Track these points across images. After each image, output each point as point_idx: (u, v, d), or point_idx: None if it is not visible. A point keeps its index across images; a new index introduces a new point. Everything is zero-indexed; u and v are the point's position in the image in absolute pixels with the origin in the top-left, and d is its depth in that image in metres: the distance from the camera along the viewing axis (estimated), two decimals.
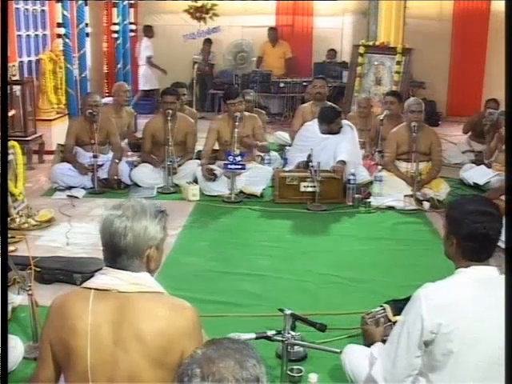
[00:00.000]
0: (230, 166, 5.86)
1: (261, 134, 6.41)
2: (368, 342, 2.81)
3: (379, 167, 6.24)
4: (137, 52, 11.02)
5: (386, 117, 6.65)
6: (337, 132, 6.17)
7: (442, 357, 2.12)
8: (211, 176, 6.03)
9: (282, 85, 10.43)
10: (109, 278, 1.93)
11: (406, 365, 2.17)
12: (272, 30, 11.15)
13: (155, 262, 2.00)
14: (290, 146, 7.03)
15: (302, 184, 5.78)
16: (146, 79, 10.76)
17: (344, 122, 6.39)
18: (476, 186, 6.43)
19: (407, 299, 2.29)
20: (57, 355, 1.94)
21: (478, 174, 6.55)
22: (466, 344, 2.09)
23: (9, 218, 4.83)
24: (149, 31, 10.99)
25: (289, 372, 2.89)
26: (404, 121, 6.10)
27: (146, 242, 1.93)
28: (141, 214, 1.93)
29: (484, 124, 7.71)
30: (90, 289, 1.93)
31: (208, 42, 11.35)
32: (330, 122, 6.17)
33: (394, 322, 2.85)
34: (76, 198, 5.92)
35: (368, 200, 5.75)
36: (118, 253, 1.92)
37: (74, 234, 4.93)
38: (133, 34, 10.53)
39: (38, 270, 3.79)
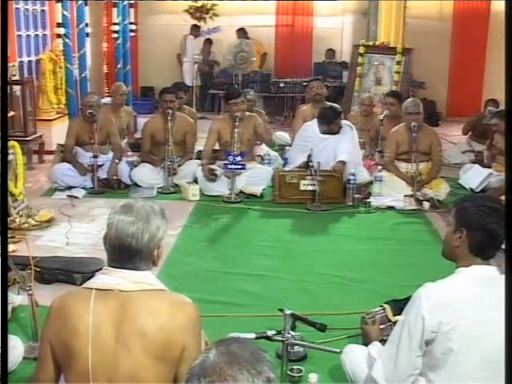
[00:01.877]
0: (230, 166, 5.85)
1: (263, 131, 6.41)
2: (367, 342, 2.82)
3: (379, 167, 6.23)
4: (181, 50, 11.24)
5: (385, 117, 6.65)
6: (336, 132, 6.16)
7: (441, 355, 2.12)
8: (212, 176, 6.03)
9: (281, 85, 10.43)
10: (110, 278, 1.94)
11: (407, 364, 2.17)
12: (240, 30, 11.10)
13: (159, 260, 2.06)
14: (290, 146, 7.03)
15: (302, 182, 5.78)
16: (192, 75, 10.76)
17: (344, 122, 6.38)
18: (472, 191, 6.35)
19: (407, 299, 2.29)
20: (57, 355, 1.94)
21: (474, 175, 6.49)
22: (466, 343, 2.09)
23: (9, 218, 4.83)
24: (195, 30, 11.20)
25: (289, 372, 2.89)
26: (404, 121, 6.09)
27: (157, 241, 1.98)
28: (152, 214, 1.97)
29: (484, 124, 7.70)
30: (91, 289, 1.94)
31: (208, 41, 11.36)
32: (330, 123, 6.16)
33: (394, 322, 2.85)
34: (76, 197, 5.92)
35: (368, 200, 5.75)
36: (131, 255, 1.94)
37: (74, 234, 4.93)
38: (133, 33, 10.52)
39: (38, 270, 3.79)
